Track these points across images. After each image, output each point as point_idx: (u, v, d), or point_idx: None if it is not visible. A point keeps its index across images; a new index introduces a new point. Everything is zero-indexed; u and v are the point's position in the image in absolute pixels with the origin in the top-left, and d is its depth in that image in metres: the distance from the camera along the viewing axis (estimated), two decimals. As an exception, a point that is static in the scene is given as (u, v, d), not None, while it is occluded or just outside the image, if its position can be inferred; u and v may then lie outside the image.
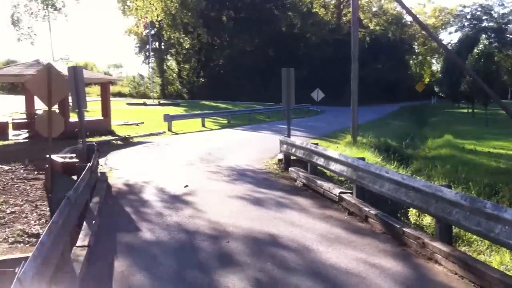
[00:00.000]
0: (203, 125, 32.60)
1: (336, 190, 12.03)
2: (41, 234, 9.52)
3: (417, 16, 36.46)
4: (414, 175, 13.92)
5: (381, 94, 69.08)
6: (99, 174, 14.04)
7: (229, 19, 70.77)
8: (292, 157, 16.29)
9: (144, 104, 52.64)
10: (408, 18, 76.88)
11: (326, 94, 47.42)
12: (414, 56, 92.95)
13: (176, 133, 28.09)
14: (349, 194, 11.61)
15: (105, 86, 27.80)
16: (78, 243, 7.81)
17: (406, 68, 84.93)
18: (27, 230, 9.87)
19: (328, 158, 13.37)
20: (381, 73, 70.04)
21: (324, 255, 8.30)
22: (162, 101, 57.81)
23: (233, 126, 33.48)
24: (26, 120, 23.98)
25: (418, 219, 11.37)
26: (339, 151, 15.79)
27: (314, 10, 73.64)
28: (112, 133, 25.19)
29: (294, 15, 71.29)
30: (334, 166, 12.88)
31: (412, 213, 11.65)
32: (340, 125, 32.09)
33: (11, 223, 10.28)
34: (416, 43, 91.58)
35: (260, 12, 66.86)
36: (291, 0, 71.23)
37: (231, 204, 11.88)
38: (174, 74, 76.23)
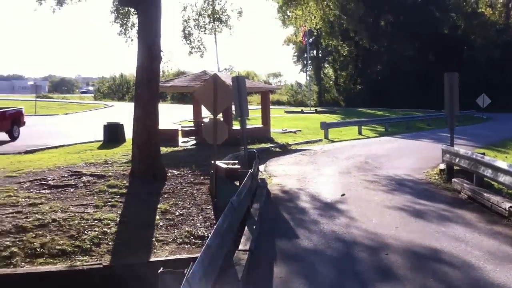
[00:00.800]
0: (360, 133, 32.21)
1: (506, 204, 11.15)
2: (206, 237, 10.12)
3: None
4: None
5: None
6: (259, 180, 14.52)
7: (388, 24, 69.13)
8: (455, 167, 15.44)
9: (302, 112, 53.39)
10: None
11: (492, 100, 44.24)
12: None
13: (333, 141, 28.09)
14: (521, 209, 10.70)
15: (265, 94, 28.70)
16: (240, 247, 8.13)
17: None
18: (193, 232, 10.51)
19: (496, 169, 12.46)
20: (559, 76, 63.44)
21: (492, 274, 7.74)
22: (318, 109, 58.21)
23: (391, 134, 32.63)
24: (193, 128, 25.57)
25: None
26: (509, 162, 14.63)
27: (480, 10, 69.13)
28: (271, 140, 25.89)
29: (457, 16, 67.53)
30: (504, 178, 11.96)
31: None
32: (509, 133, 29.71)
33: (180, 224, 11.02)
34: None
35: (420, 15, 64.32)
36: (454, 1, 67.58)
37: (389, 215, 11.59)
38: (331, 82, 76.30)
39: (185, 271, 4.77)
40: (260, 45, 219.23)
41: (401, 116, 45.07)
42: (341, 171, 17.62)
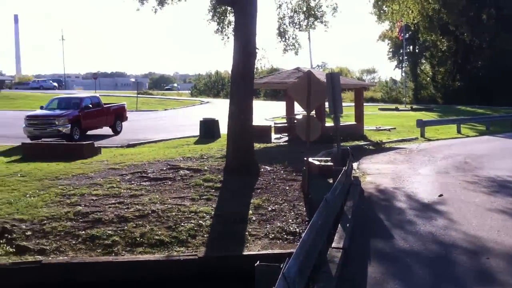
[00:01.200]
0: (459, 132, 30.88)
1: None
2: (298, 233, 10.16)
3: None
4: None
5: None
6: (352, 178, 14.33)
7: (490, 18, 65.69)
8: None
9: (396, 109, 52.07)
10: None
11: None
12: None
13: (429, 140, 27.14)
14: None
15: (358, 91, 28.26)
16: (334, 244, 8.07)
17: None
18: (285, 228, 10.58)
19: None
20: None
21: None
22: (414, 106, 56.48)
23: (493, 133, 30.98)
24: (286, 125, 25.68)
25: None
26: None
27: None
28: (364, 138, 25.44)
29: None
30: None
31: None
32: None
33: (272, 220, 11.13)
34: None
35: (526, 8, 60.57)
36: None
37: (491, 217, 11.03)
38: (428, 78, 73.65)
39: (281, 266, 4.81)
40: (353, 41, 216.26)
41: (504, 114, 42.72)
42: (439, 171, 17.01)
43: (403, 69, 73.57)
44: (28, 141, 21.65)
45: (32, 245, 9.70)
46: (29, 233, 10.16)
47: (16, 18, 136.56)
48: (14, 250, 9.54)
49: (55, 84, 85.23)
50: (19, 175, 14.39)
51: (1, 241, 9.75)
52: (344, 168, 12.17)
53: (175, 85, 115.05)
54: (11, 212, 11.07)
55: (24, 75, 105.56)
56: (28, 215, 10.88)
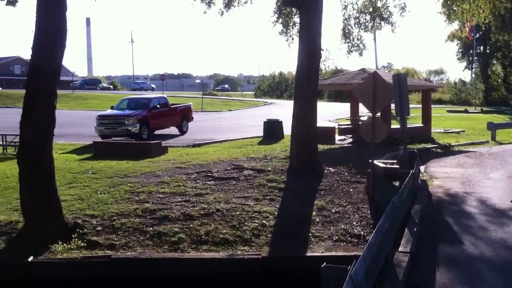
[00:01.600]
0: (532, 135, 29.54)
1: None
2: (362, 236, 10.02)
3: None
4: None
5: None
6: (419, 181, 13.99)
7: None
8: None
9: (466, 111, 50.46)
10: None
11: None
12: None
13: (501, 143, 26.08)
14: None
15: (426, 93, 27.54)
16: (400, 248, 7.91)
17: None
18: (349, 230, 10.47)
19: None
20: None
21: None
22: (484, 108, 54.55)
23: None
24: (350, 126, 25.37)
25: None
26: None
27: None
28: (432, 140, 24.74)
29: None
30: None
31: None
32: None
33: (336, 222, 11.03)
34: None
35: None
36: None
37: None
38: (499, 80, 70.97)
39: (348, 268, 4.77)
40: (420, 41, 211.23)
41: None
42: (511, 176, 16.33)
43: (473, 70, 71.16)
44: (99, 139, 22.43)
45: (102, 240, 10.06)
46: (99, 228, 10.54)
47: (88, 21, 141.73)
48: (85, 244, 9.91)
49: (153, 86, 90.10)
50: (90, 172, 14.96)
51: (73, 236, 10.14)
52: (411, 171, 11.89)
53: (226, 86, 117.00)
54: (82, 208, 11.53)
55: (95, 76, 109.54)
56: (98, 211, 11.29)
